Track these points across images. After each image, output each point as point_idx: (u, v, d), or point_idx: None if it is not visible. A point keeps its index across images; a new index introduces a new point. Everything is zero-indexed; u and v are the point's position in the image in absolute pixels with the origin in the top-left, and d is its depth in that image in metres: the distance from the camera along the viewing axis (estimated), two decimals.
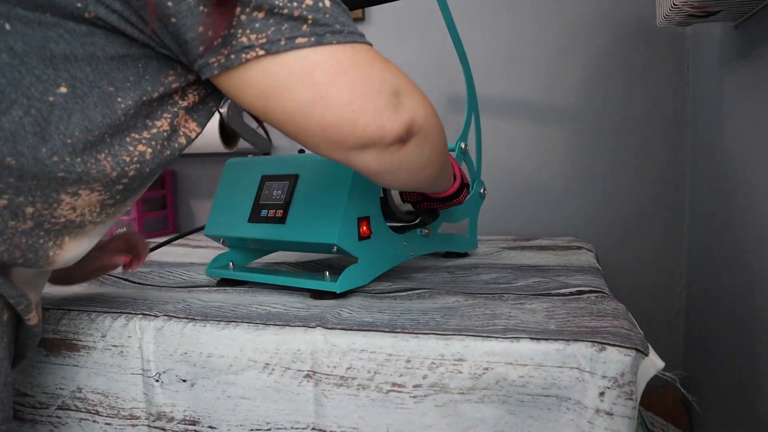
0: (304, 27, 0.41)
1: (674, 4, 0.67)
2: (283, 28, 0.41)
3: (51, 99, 0.41)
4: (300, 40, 0.41)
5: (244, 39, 0.41)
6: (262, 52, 0.41)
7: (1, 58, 0.39)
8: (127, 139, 0.45)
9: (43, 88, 0.41)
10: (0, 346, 0.45)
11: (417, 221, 0.72)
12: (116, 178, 0.45)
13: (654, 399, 1.07)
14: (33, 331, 0.50)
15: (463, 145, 0.82)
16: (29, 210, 0.42)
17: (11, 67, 0.40)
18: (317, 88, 0.41)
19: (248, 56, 0.41)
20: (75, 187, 0.43)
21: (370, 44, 0.46)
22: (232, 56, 0.41)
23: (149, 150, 0.47)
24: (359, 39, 0.44)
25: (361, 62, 0.43)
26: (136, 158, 0.46)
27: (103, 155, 0.44)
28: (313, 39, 0.41)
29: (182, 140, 0.49)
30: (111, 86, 0.43)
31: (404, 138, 0.46)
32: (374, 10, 1.23)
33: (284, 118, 0.43)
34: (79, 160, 0.42)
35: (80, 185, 0.44)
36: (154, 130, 0.46)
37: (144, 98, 0.45)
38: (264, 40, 0.41)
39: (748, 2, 0.66)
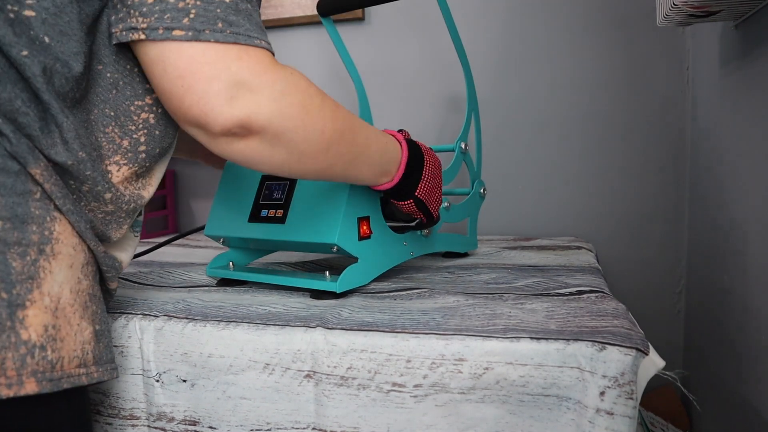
0: (185, 20, 0.43)
1: (674, 4, 0.67)
2: (166, 17, 0.43)
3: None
4: (177, 33, 0.43)
5: (133, 20, 0.44)
6: (143, 36, 0.44)
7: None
8: (132, 108, 0.49)
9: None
10: (94, 288, 0.50)
11: (416, 222, 0.72)
12: (131, 147, 0.50)
13: (654, 399, 1.07)
14: (110, 293, 0.56)
15: (463, 145, 0.82)
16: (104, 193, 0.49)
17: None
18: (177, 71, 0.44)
19: (133, 37, 0.44)
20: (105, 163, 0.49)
21: (265, 48, 0.46)
22: (124, 33, 0.45)
23: (152, 116, 0.51)
24: (245, 41, 0.45)
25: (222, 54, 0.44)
26: (141, 125, 0.50)
27: (110, 128, 0.48)
28: (190, 33, 0.43)
29: None
30: (99, 64, 0.47)
31: (237, 133, 0.45)
32: (374, 11, 1.23)
33: (158, 90, 0.46)
34: (94, 138, 0.48)
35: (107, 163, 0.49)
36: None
37: (127, 66, 0.49)
38: (145, 26, 0.44)
39: (748, 2, 0.66)
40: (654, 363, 0.46)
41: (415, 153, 0.64)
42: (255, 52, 0.45)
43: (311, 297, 0.65)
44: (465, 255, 0.90)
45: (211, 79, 0.43)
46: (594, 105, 1.14)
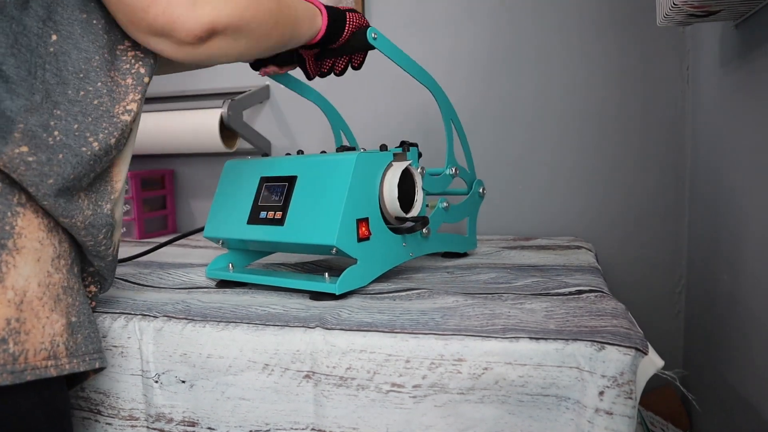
0: None
1: (674, 4, 0.67)
2: None
3: (51, 50, 0.46)
4: None
5: None
6: None
7: (11, 29, 0.45)
8: (117, 52, 0.50)
9: (43, 42, 0.46)
10: (71, 274, 0.51)
11: (407, 227, 0.72)
12: (134, 85, 0.51)
13: (654, 399, 1.07)
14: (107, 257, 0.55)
15: (452, 171, 0.81)
16: (112, 141, 0.50)
17: (17, 34, 0.45)
18: None
19: None
20: (123, 105, 0.50)
21: None
22: None
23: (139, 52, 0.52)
24: None
25: None
26: (132, 65, 0.51)
27: (113, 73, 0.49)
28: None
29: None
30: (83, 13, 0.48)
31: (204, 38, 0.49)
32: (374, 10, 1.23)
33: None
34: (99, 84, 0.48)
35: (126, 98, 0.50)
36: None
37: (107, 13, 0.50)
38: None
39: (748, 2, 0.66)
40: (653, 363, 0.46)
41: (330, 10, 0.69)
42: None
43: (310, 298, 0.65)
44: (464, 255, 0.90)
45: None
46: (594, 105, 1.14)
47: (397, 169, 0.69)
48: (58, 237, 0.50)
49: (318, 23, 0.65)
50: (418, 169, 0.73)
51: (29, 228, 0.47)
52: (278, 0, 0.57)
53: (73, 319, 0.50)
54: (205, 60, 0.52)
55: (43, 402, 0.47)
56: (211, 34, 0.49)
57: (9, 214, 0.46)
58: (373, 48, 0.71)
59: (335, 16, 0.68)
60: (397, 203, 0.68)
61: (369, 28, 0.69)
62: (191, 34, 0.47)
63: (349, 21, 0.69)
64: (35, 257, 0.47)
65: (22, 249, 0.46)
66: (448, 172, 0.80)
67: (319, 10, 0.67)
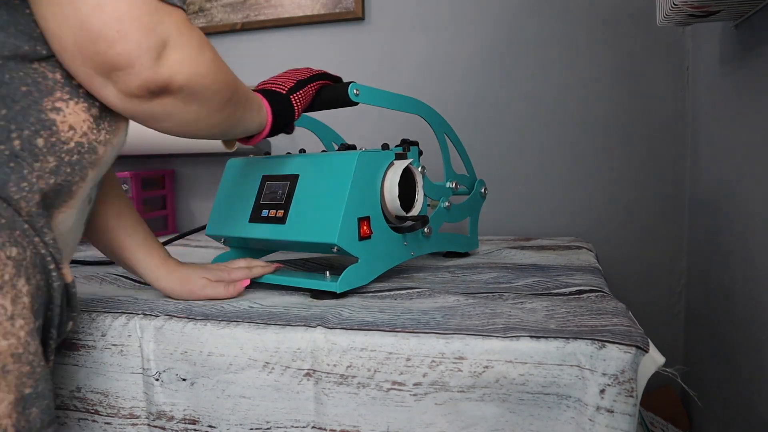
0: None
1: (674, 4, 0.67)
2: None
3: None
4: None
5: None
6: None
7: None
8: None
9: None
10: (28, 313, 0.42)
11: (408, 225, 0.72)
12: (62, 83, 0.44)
13: (654, 399, 1.07)
14: (71, 293, 0.48)
15: (452, 185, 0.81)
16: (40, 141, 0.42)
17: None
18: None
19: None
20: (51, 100, 0.43)
21: (182, 8, 0.45)
22: None
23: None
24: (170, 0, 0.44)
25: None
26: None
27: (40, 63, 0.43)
28: None
29: None
30: None
31: (156, 93, 0.44)
32: (374, 10, 1.23)
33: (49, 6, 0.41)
34: (35, 66, 0.42)
35: (54, 95, 0.43)
36: None
37: None
38: None
39: (748, 2, 0.66)
40: (654, 360, 0.46)
41: (273, 95, 0.64)
42: (177, 10, 0.45)
43: (311, 297, 0.65)
44: (465, 255, 0.90)
45: (148, 31, 0.41)
46: (593, 105, 1.14)
47: (398, 168, 0.69)
48: (12, 294, 0.41)
49: (264, 115, 0.62)
50: (419, 168, 0.73)
51: None
52: (235, 79, 0.54)
53: (27, 391, 0.42)
54: (147, 119, 0.47)
55: None
56: (164, 90, 0.44)
57: None
58: (356, 104, 0.68)
59: (279, 106, 0.64)
60: (398, 202, 0.68)
61: (351, 85, 0.66)
62: (144, 85, 0.43)
63: (296, 103, 0.65)
64: None
65: None
66: (448, 185, 0.81)
67: (263, 102, 0.63)
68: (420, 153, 0.76)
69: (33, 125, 0.42)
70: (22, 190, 0.42)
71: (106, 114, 0.47)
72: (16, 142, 0.42)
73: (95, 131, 0.46)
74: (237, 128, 0.58)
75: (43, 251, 0.44)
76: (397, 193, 0.67)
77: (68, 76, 0.45)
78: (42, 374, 0.43)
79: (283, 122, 0.65)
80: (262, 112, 0.62)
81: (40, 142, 0.43)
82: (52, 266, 0.45)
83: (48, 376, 0.44)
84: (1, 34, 0.41)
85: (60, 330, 0.49)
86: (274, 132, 0.65)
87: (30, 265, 0.43)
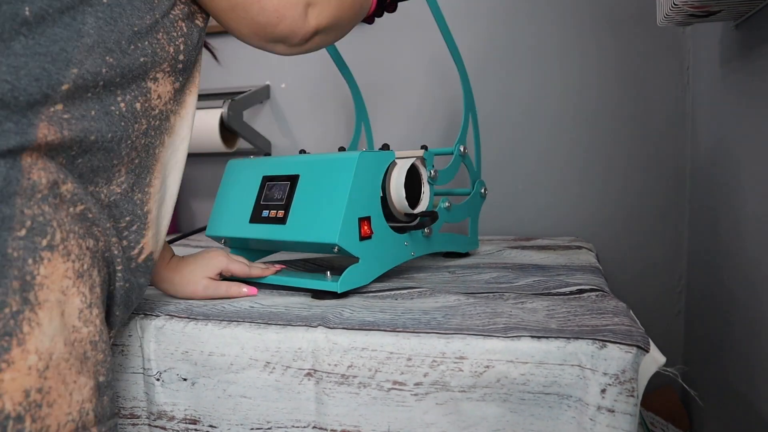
0: None
1: (674, 4, 0.67)
2: None
3: (105, 0, 0.45)
4: None
5: None
6: None
7: None
8: (171, 17, 0.51)
9: None
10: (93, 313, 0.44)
11: (416, 222, 0.72)
12: (174, 54, 0.52)
13: (654, 399, 1.07)
14: (138, 283, 0.53)
15: (462, 149, 0.82)
16: (138, 105, 0.49)
17: None
18: None
19: None
20: (153, 72, 0.50)
21: None
22: None
23: (185, 23, 0.54)
24: None
25: None
26: (180, 32, 0.53)
27: (160, 34, 0.50)
28: None
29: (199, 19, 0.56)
30: None
31: (308, 38, 0.60)
32: None
33: (226, 7, 0.55)
34: (147, 42, 0.48)
35: (156, 68, 0.50)
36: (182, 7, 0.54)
37: None
38: None
39: (748, 2, 0.66)
40: (655, 360, 0.46)
41: None
42: None
43: (312, 297, 0.65)
44: (466, 255, 0.91)
45: (296, 5, 0.56)
46: (594, 105, 1.14)
47: (405, 165, 0.69)
48: (89, 282, 0.44)
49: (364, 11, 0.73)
50: (431, 172, 0.73)
51: (53, 277, 0.40)
52: None
53: (101, 378, 0.43)
54: (304, 52, 0.63)
55: None
56: (314, 33, 0.60)
57: (30, 260, 0.39)
58: None
59: None
60: (405, 201, 0.69)
61: None
62: (303, 38, 0.59)
63: None
64: (59, 311, 0.40)
65: (45, 303, 0.39)
66: (457, 150, 0.82)
67: None
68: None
69: (134, 91, 0.49)
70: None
71: (180, 91, 0.55)
72: (122, 105, 0.48)
73: (172, 102, 0.54)
74: (359, 20, 0.71)
75: (114, 250, 0.49)
76: (403, 193, 0.68)
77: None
78: (111, 364, 0.46)
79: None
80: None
81: (137, 106, 0.49)
82: (119, 266, 0.49)
83: (113, 367, 0.47)
84: (128, 6, 0.47)
85: (113, 324, 0.52)
86: (379, 9, 0.75)
87: (101, 258, 0.47)
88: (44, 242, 0.40)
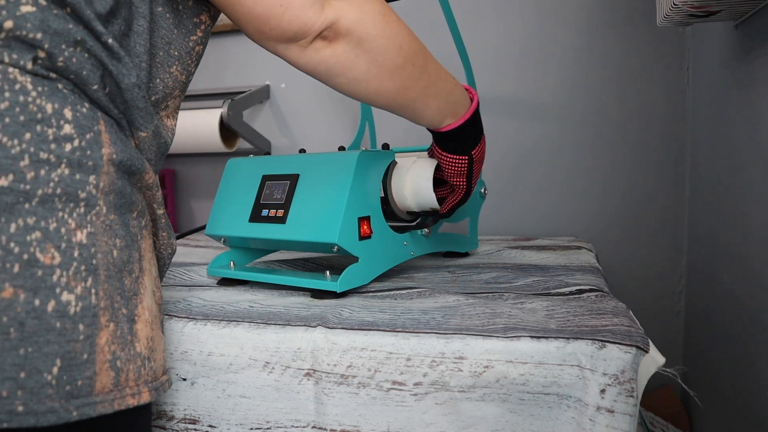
0: None
1: (674, 4, 0.67)
2: None
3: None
4: None
5: None
6: None
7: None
8: (190, 44, 0.52)
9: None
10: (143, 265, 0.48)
11: (417, 222, 0.73)
12: (185, 80, 0.53)
13: (654, 399, 1.07)
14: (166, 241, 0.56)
15: None
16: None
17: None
18: None
19: None
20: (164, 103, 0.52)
21: None
22: None
23: (202, 47, 0.54)
24: None
25: None
26: (194, 58, 0.54)
27: (174, 68, 0.51)
28: None
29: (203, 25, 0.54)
30: (158, 6, 0.50)
31: (327, 37, 0.49)
32: None
33: (223, 2, 0.48)
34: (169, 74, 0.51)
35: (167, 101, 0.52)
36: (198, 23, 0.53)
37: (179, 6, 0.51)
38: None
39: (748, 2, 0.66)
40: (654, 360, 0.46)
41: (477, 112, 0.65)
42: None
43: (312, 297, 0.65)
44: (465, 255, 0.91)
45: None
46: (594, 105, 1.14)
47: (433, 162, 0.70)
48: (156, 256, 0.53)
49: (465, 108, 0.62)
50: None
51: (146, 249, 0.49)
52: (421, 49, 0.55)
53: (163, 334, 0.51)
54: (325, 71, 0.52)
55: (149, 416, 0.50)
56: (334, 34, 0.49)
57: (139, 236, 0.47)
58: None
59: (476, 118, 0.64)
60: (433, 196, 0.70)
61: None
62: (317, 31, 0.48)
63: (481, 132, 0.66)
64: (151, 277, 0.49)
65: (146, 271, 0.48)
66: None
67: (471, 98, 0.63)
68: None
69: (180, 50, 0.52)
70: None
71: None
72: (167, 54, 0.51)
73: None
74: (414, 111, 0.59)
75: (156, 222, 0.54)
76: (431, 188, 0.69)
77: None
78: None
79: (476, 127, 0.64)
80: (463, 96, 0.62)
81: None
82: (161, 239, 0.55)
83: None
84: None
85: None
86: (469, 126, 0.63)
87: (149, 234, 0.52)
88: (143, 222, 0.48)
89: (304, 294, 0.67)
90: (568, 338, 0.47)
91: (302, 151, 0.81)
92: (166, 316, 0.59)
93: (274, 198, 0.70)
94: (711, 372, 0.93)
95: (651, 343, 0.47)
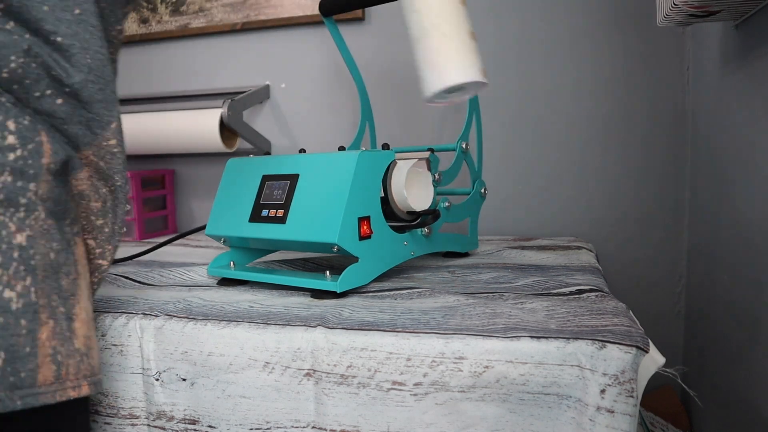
0: None
1: (674, 4, 0.67)
2: None
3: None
4: None
5: None
6: None
7: None
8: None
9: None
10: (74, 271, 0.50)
11: (417, 221, 0.73)
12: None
13: (654, 399, 1.07)
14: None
15: (464, 145, 0.82)
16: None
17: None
18: None
19: None
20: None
21: None
22: None
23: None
24: None
25: None
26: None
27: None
28: None
29: None
30: None
31: None
32: (374, 10, 1.23)
33: None
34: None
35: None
36: None
37: None
38: None
39: (748, 2, 0.66)
40: (654, 360, 0.46)
41: None
42: None
43: (312, 297, 0.65)
44: (465, 255, 0.90)
45: None
46: (593, 105, 1.14)
47: (403, 168, 0.70)
48: (89, 266, 0.55)
49: None
50: (435, 175, 0.75)
51: (80, 255, 0.51)
52: None
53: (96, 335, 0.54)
54: None
55: (86, 411, 0.53)
56: None
57: (72, 242, 0.50)
58: None
59: None
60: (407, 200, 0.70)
61: None
62: None
63: None
64: (86, 281, 0.52)
65: (81, 274, 0.50)
66: (459, 147, 0.82)
67: None
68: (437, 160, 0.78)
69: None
70: None
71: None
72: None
73: None
74: None
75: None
76: (404, 192, 0.69)
77: None
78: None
79: None
80: None
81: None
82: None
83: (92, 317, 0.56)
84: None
85: None
86: None
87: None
88: (75, 229, 0.51)
89: (304, 294, 0.67)
90: (568, 338, 0.47)
91: (302, 151, 0.81)
92: (167, 316, 0.59)
93: (274, 198, 0.70)
94: (711, 372, 0.93)
95: (651, 343, 0.47)
